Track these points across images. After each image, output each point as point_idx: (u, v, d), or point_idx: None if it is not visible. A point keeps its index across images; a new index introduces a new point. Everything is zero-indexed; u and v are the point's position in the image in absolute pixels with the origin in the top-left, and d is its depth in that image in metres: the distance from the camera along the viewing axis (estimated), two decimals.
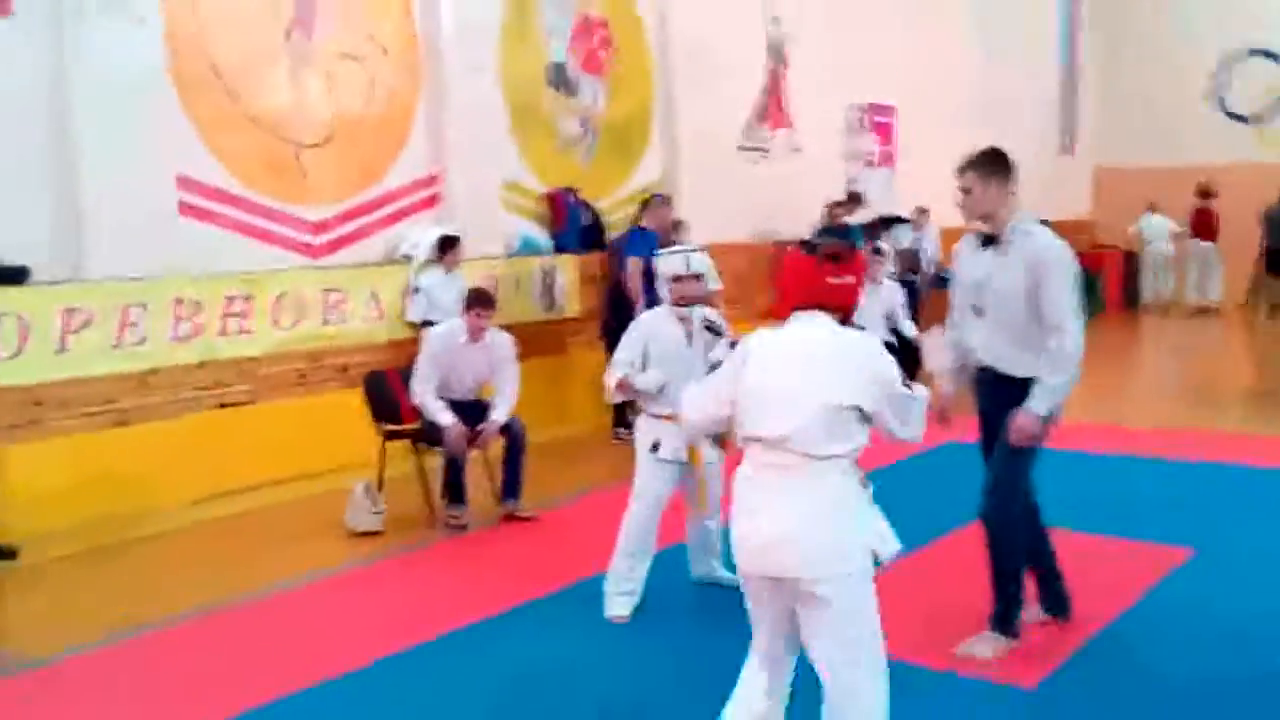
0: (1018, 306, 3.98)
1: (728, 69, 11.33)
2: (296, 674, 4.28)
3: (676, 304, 4.75)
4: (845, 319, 3.09)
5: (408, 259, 8.28)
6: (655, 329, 4.77)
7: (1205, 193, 15.75)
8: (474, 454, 6.43)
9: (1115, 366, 12.00)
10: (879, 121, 13.95)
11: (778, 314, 3.17)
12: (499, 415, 6.19)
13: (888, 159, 14.11)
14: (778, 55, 12.30)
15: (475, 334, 6.26)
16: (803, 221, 10.92)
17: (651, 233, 8.66)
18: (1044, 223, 4.16)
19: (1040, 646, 4.26)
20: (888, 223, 12.31)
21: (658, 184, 10.64)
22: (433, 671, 4.33)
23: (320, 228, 7.98)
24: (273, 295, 7.41)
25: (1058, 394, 3.92)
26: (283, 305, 7.47)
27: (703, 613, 4.83)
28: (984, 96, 14.72)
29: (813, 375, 2.96)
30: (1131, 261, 17.35)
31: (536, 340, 8.77)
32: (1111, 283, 17.08)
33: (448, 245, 8.11)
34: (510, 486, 6.37)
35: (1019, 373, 4.00)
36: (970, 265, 4.22)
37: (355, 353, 7.82)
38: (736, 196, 11.31)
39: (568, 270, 9.41)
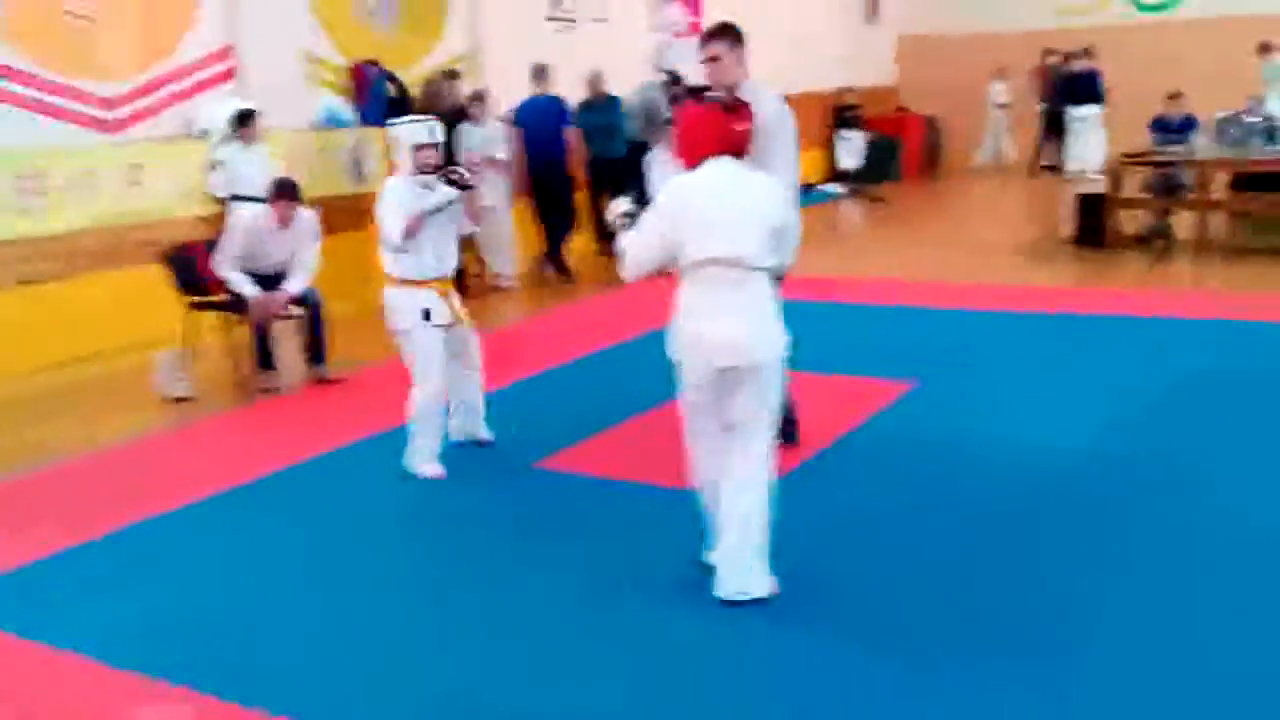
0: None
1: None
2: (120, 516, 4.66)
3: (420, 172, 4.94)
4: (741, 159, 3.69)
5: (205, 134, 8.33)
6: (402, 196, 4.93)
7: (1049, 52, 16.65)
8: (286, 324, 6.74)
9: (895, 226, 12.98)
10: None
11: (688, 160, 3.68)
12: (292, 286, 6.49)
13: (696, 29, 14.47)
14: None
15: (283, 222, 6.50)
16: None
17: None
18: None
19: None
20: (695, 92, 12.74)
21: (464, 56, 10.79)
22: (241, 512, 4.76)
23: (111, 103, 7.94)
24: (69, 172, 7.42)
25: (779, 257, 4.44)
26: (80, 182, 7.49)
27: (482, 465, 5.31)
28: None
29: (751, 205, 3.62)
30: (932, 126, 18.32)
31: (345, 214, 9.00)
32: (912, 148, 18.02)
33: (245, 119, 8.17)
34: (314, 352, 6.72)
35: None
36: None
37: (159, 228, 7.90)
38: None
39: (375, 143, 9.57)
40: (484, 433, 5.39)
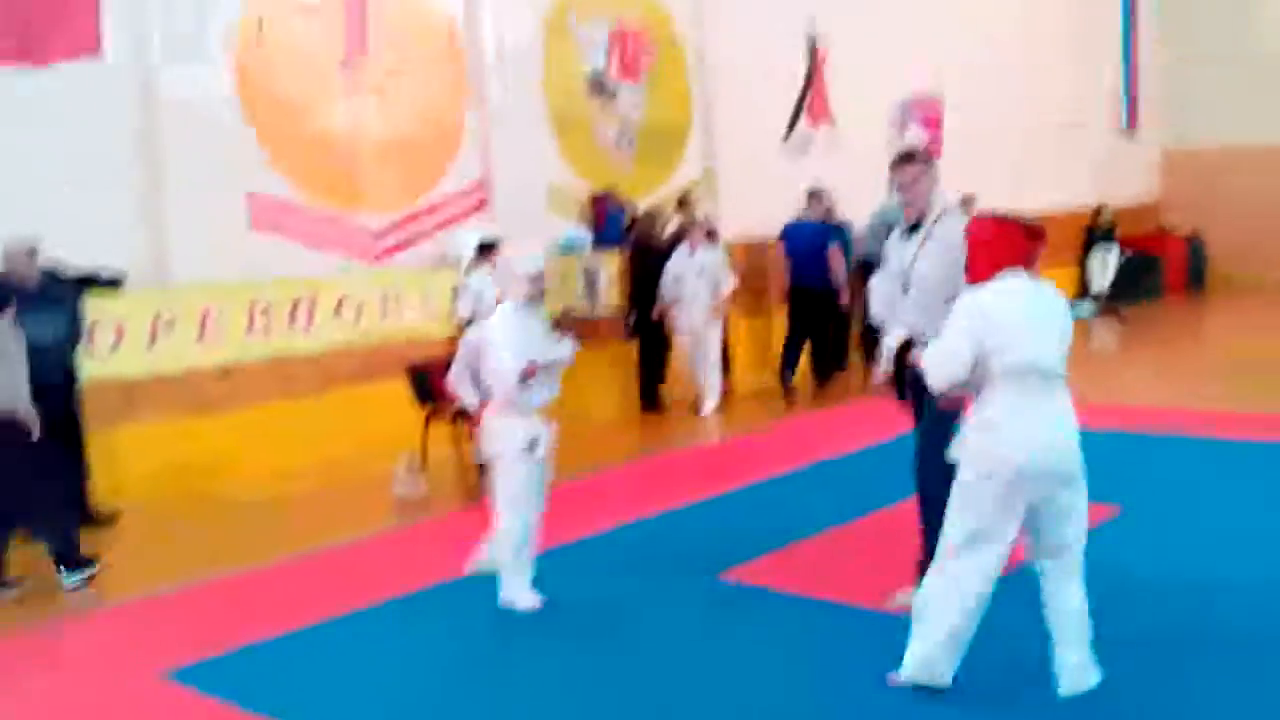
0: (938, 282, 4.49)
1: (766, 69, 11.94)
2: (352, 600, 5.21)
3: (530, 299, 5.03)
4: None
5: (456, 261, 9.16)
6: (514, 329, 4.98)
7: None
8: None
9: (1144, 347, 12.39)
10: (925, 114, 14.41)
11: (981, 275, 3.84)
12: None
13: (935, 150, 14.55)
14: (817, 53, 12.87)
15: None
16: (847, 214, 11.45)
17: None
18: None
19: None
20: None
21: (699, 182, 11.37)
22: (447, 608, 5.17)
23: (377, 234, 8.92)
24: (335, 297, 8.37)
25: None
26: (344, 305, 8.44)
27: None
28: (1035, 84, 15.05)
29: (1053, 316, 3.83)
30: (1197, 242, 17.40)
31: (580, 332, 9.62)
32: (1174, 265, 17.16)
33: (488, 248, 8.94)
34: None
35: None
36: (897, 251, 4.81)
37: (411, 348, 8.69)
38: (777, 193, 11.89)
39: (608, 266, 10.18)
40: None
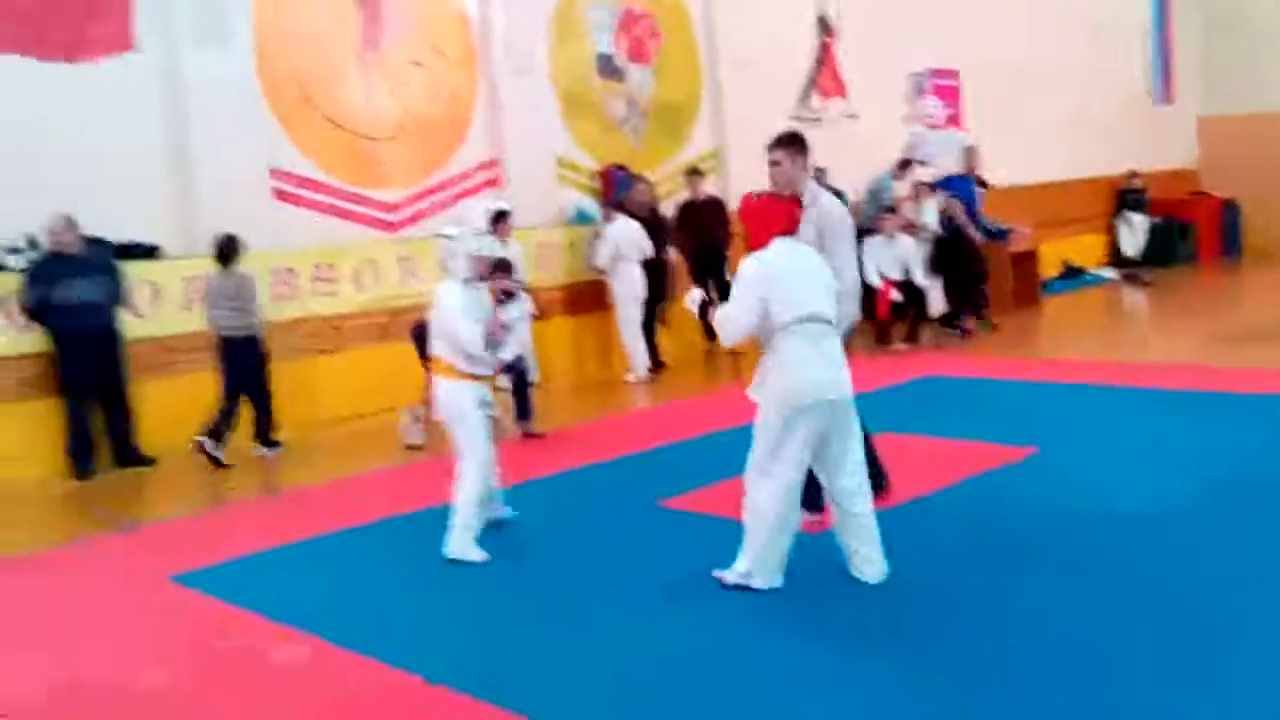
0: None
1: (775, 46, 12.47)
2: (345, 521, 6.01)
3: (478, 279, 5.68)
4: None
5: (474, 230, 9.89)
6: (466, 303, 5.53)
7: None
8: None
9: (1160, 313, 12.69)
10: (942, 85, 14.77)
11: (759, 243, 4.50)
12: (505, 354, 7.71)
13: (954, 120, 14.91)
14: (828, 28, 13.34)
15: (497, 298, 7.79)
16: (860, 185, 11.97)
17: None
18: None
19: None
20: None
21: (707, 156, 11.97)
22: (425, 527, 5.93)
23: (393, 207, 9.71)
24: (353, 264, 9.19)
25: (850, 320, 5.04)
26: (362, 273, 9.25)
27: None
28: (1065, 52, 15.33)
29: (819, 272, 4.56)
30: (1232, 209, 17.43)
31: (589, 298, 10.39)
32: (1207, 231, 17.24)
33: (499, 217, 9.67)
34: (522, 410, 7.92)
35: None
36: None
37: (425, 310, 9.46)
38: None
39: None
40: (505, 512, 5.88)
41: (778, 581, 4.54)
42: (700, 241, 10.94)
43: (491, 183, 10.40)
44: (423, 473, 7.27)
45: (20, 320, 7.54)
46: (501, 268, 7.78)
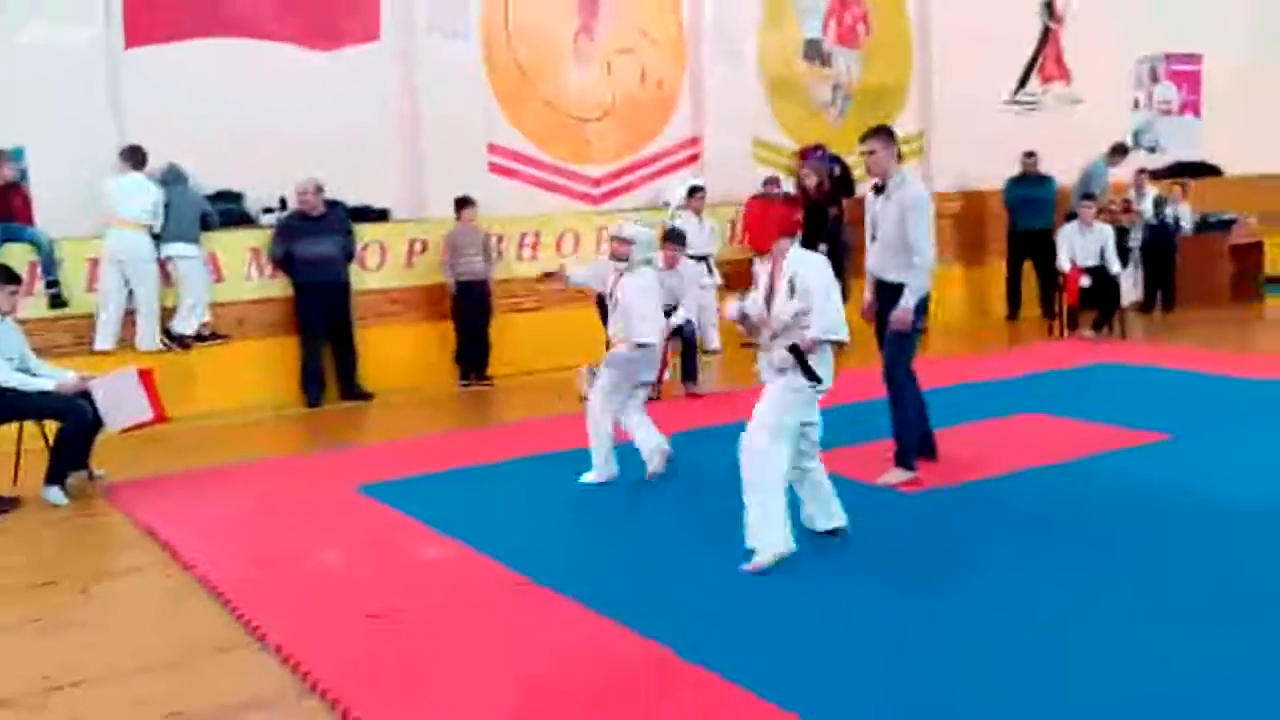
0: (895, 234, 5.64)
1: (994, 33, 12.48)
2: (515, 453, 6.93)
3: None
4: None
5: (666, 205, 10.64)
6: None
7: None
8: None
9: None
10: (1180, 70, 14.22)
11: (763, 245, 4.72)
12: (675, 319, 8.40)
13: (1190, 107, 14.35)
14: (1054, 13, 13.17)
15: (669, 265, 8.50)
16: (1072, 170, 11.90)
17: None
18: None
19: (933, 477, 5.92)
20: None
21: (909, 139, 12.20)
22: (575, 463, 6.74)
23: (597, 182, 10.57)
24: (556, 232, 10.13)
25: (919, 293, 5.57)
26: (564, 240, 10.18)
27: None
28: None
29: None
30: None
31: None
32: None
33: (694, 192, 10.36)
34: (687, 372, 8.59)
35: (895, 279, 5.68)
36: (869, 207, 5.91)
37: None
38: (995, 148, 12.45)
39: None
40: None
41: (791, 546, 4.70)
42: None
43: (692, 159, 11.09)
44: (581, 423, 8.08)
45: (268, 270, 8.91)
46: (674, 238, 8.49)
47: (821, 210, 10.60)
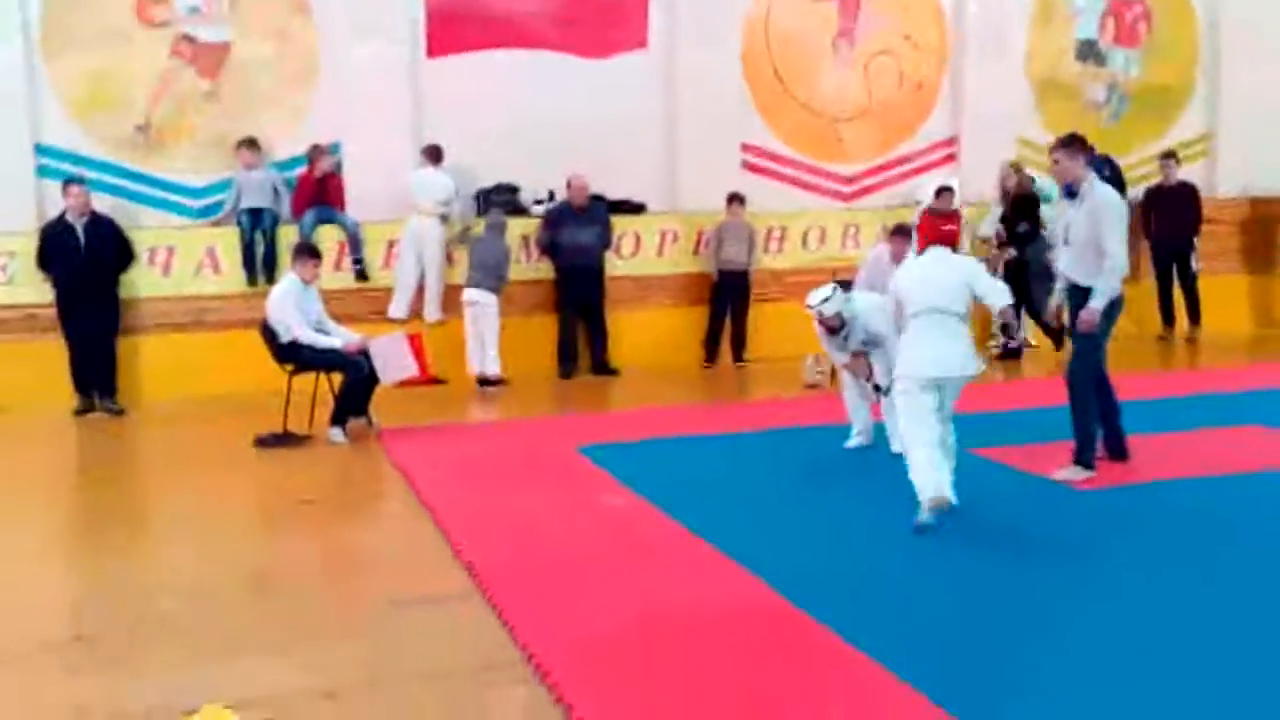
0: (1086, 238, 5.76)
1: None
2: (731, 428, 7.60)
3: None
4: (954, 249, 5.69)
5: (918, 204, 10.87)
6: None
7: None
8: None
9: None
10: None
11: (920, 250, 5.64)
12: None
13: None
14: None
15: (898, 257, 8.80)
16: None
17: None
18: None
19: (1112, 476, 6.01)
20: None
21: (1193, 141, 11.68)
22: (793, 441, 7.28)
23: (850, 180, 10.96)
24: (802, 228, 10.64)
25: (1107, 296, 5.66)
26: (810, 235, 10.67)
27: None
28: None
29: (951, 274, 5.54)
30: None
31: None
32: None
33: (940, 193, 10.52)
34: None
35: (1085, 282, 5.78)
36: (1061, 212, 6.08)
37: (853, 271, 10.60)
38: None
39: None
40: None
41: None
42: (1164, 227, 10.86)
43: (948, 159, 11.21)
44: (809, 405, 8.57)
45: (534, 254, 10.01)
46: (906, 233, 8.79)
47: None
